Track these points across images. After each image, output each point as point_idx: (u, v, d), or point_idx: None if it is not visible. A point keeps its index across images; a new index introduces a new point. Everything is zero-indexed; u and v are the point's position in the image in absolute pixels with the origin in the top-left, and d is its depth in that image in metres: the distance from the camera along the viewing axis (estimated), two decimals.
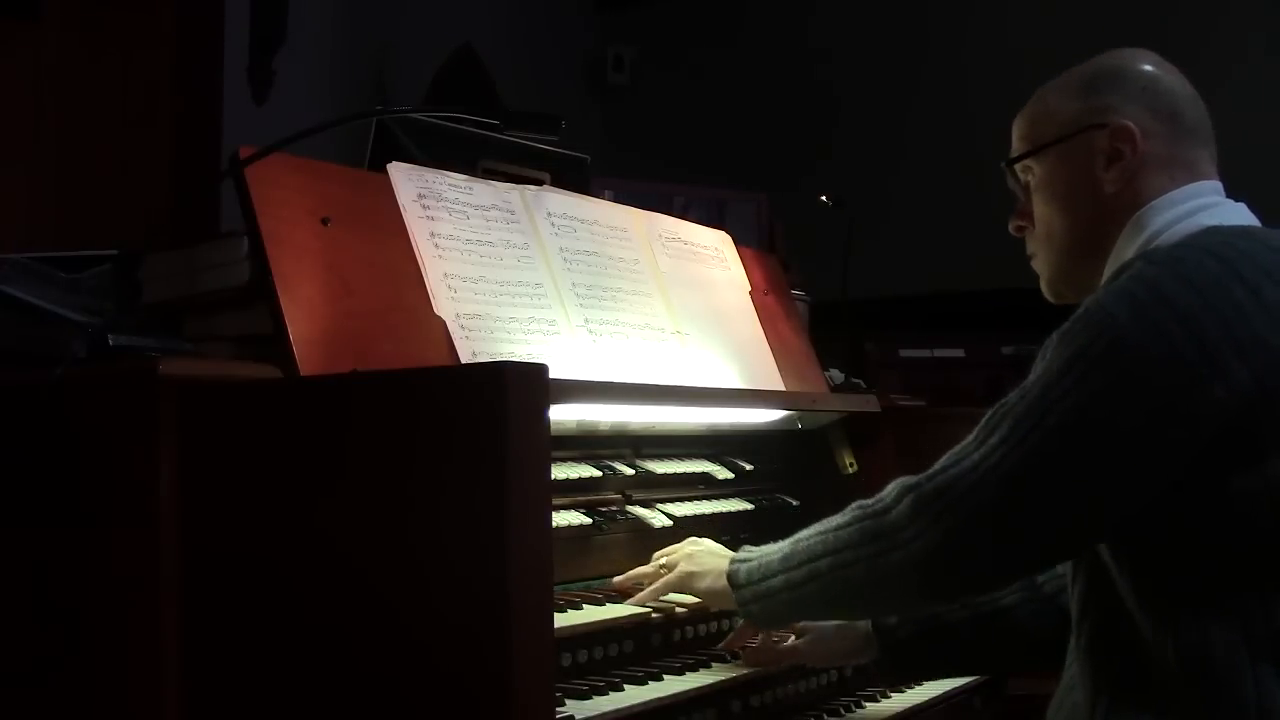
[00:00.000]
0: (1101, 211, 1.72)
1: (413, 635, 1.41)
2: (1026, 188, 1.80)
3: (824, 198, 3.37)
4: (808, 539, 1.71)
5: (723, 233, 2.55)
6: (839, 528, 1.67)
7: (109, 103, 4.53)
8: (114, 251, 1.99)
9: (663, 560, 1.96)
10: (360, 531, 1.46)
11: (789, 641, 1.93)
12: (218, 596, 1.54)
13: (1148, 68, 1.75)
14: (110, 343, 1.63)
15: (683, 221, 2.46)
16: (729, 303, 2.43)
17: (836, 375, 2.76)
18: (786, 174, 5.21)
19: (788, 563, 1.72)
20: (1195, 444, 1.48)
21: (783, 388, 2.40)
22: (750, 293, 2.50)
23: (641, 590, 1.93)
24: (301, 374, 1.62)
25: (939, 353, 4.09)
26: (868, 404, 2.46)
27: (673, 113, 6.11)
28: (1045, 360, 1.57)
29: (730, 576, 1.79)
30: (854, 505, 1.68)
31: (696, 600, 1.91)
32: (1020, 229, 1.83)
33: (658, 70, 6.32)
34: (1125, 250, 1.68)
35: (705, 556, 1.90)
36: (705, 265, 2.43)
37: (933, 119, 5.46)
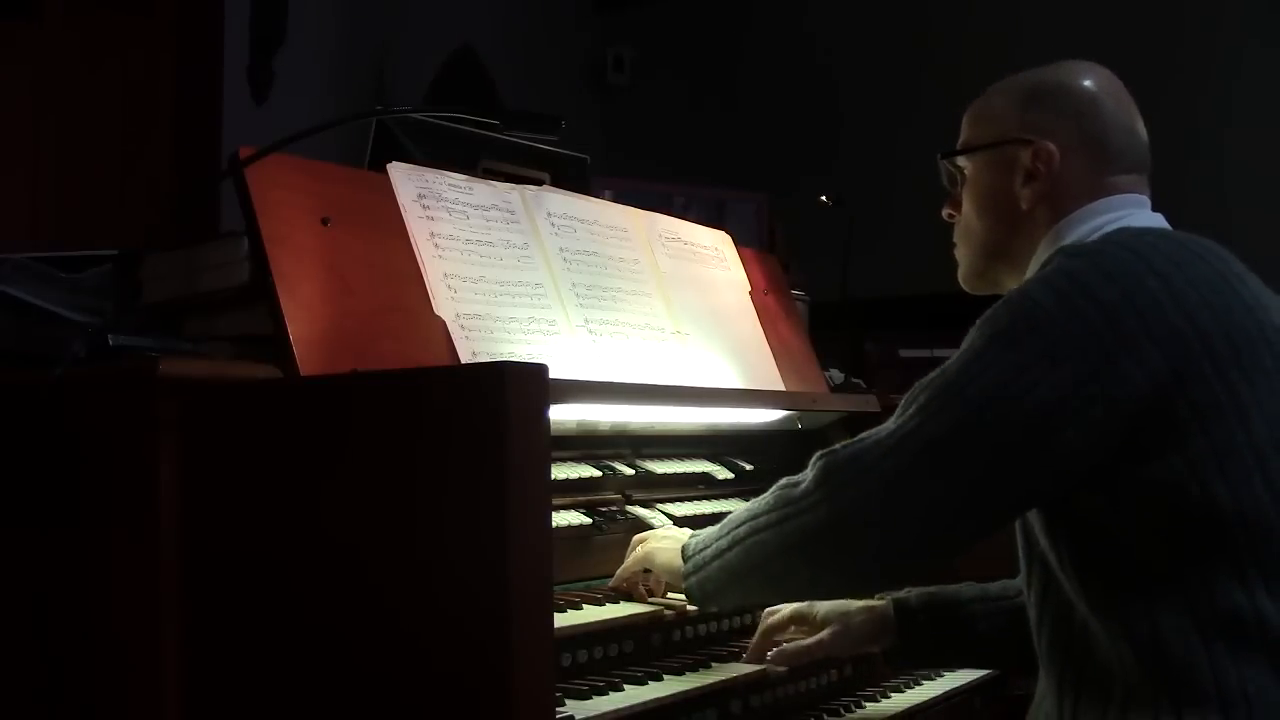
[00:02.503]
0: (1015, 223, 1.80)
1: (413, 635, 1.41)
2: (962, 180, 1.88)
3: (824, 197, 3.37)
4: (740, 509, 1.76)
5: (723, 233, 2.55)
6: (760, 498, 1.72)
7: (109, 103, 4.54)
8: (114, 251, 1.99)
9: (637, 547, 1.97)
10: (360, 532, 1.46)
11: (814, 637, 1.93)
12: (218, 596, 1.54)
13: (1089, 87, 1.79)
14: (110, 343, 1.63)
15: (683, 221, 2.46)
16: (729, 303, 2.43)
17: (836, 375, 2.76)
18: (786, 174, 5.21)
19: (720, 532, 1.76)
20: (1112, 426, 1.52)
21: (783, 388, 2.40)
22: (750, 293, 2.50)
23: (635, 589, 1.93)
24: (301, 374, 1.62)
25: (939, 353, 4.07)
26: (868, 404, 2.46)
27: (673, 113, 6.11)
28: (967, 341, 1.63)
29: (683, 550, 1.83)
30: (781, 479, 1.71)
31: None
32: (950, 216, 1.92)
33: (658, 70, 6.32)
34: (1043, 259, 1.75)
35: (669, 538, 1.92)
36: (705, 265, 2.43)
37: (933, 118, 5.45)
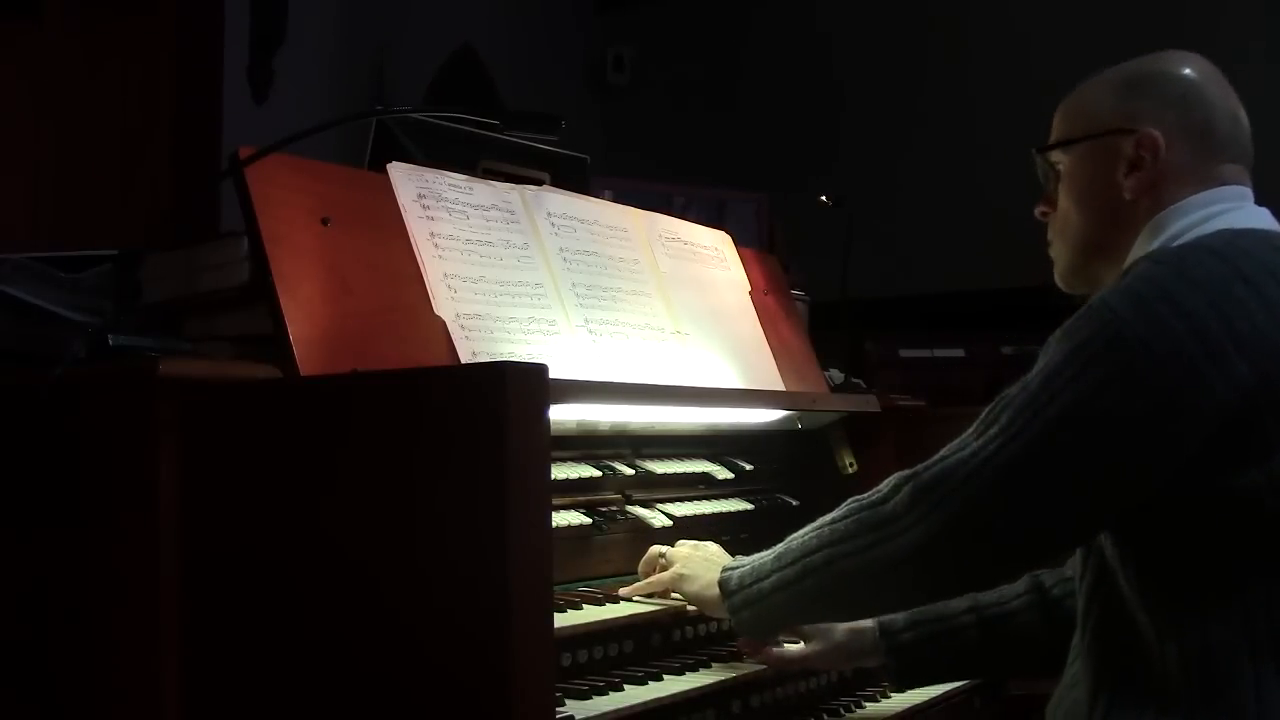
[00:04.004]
0: (1117, 216, 1.72)
1: (413, 635, 1.41)
2: (1056, 176, 1.80)
3: (823, 197, 3.37)
4: (802, 536, 1.72)
5: (723, 233, 2.55)
6: (834, 521, 1.68)
7: (109, 103, 4.53)
8: (114, 251, 1.99)
9: (663, 550, 1.97)
10: (360, 532, 1.46)
11: (798, 647, 1.92)
12: (218, 596, 1.54)
13: (1190, 74, 1.73)
14: (110, 343, 1.63)
15: (683, 221, 2.46)
16: (729, 303, 2.43)
17: (836, 375, 2.76)
18: (787, 174, 5.21)
19: (780, 561, 1.72)
20: (1196, 439, 1.49)
21: (783, 388, 2.40)
22: (750, 293, 2.50)
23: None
24: (301, 374, 1.62)
25: (939, 353, 4.08)
26: (868, 404, 2.46)
27: (673, 113, 6.10)
28: (1047, 355, 1.58)
29: (722, 584, 1.80)
30: (849, 500, 1.69)
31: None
32: (1044, 214, 1.84)
33: (658, 70, 6.32)
34: (1139, 252, 1.69)
35: (700, 562, 1.90)
36: (705, 265, 2.43)
37: (934, 119, 5.46)
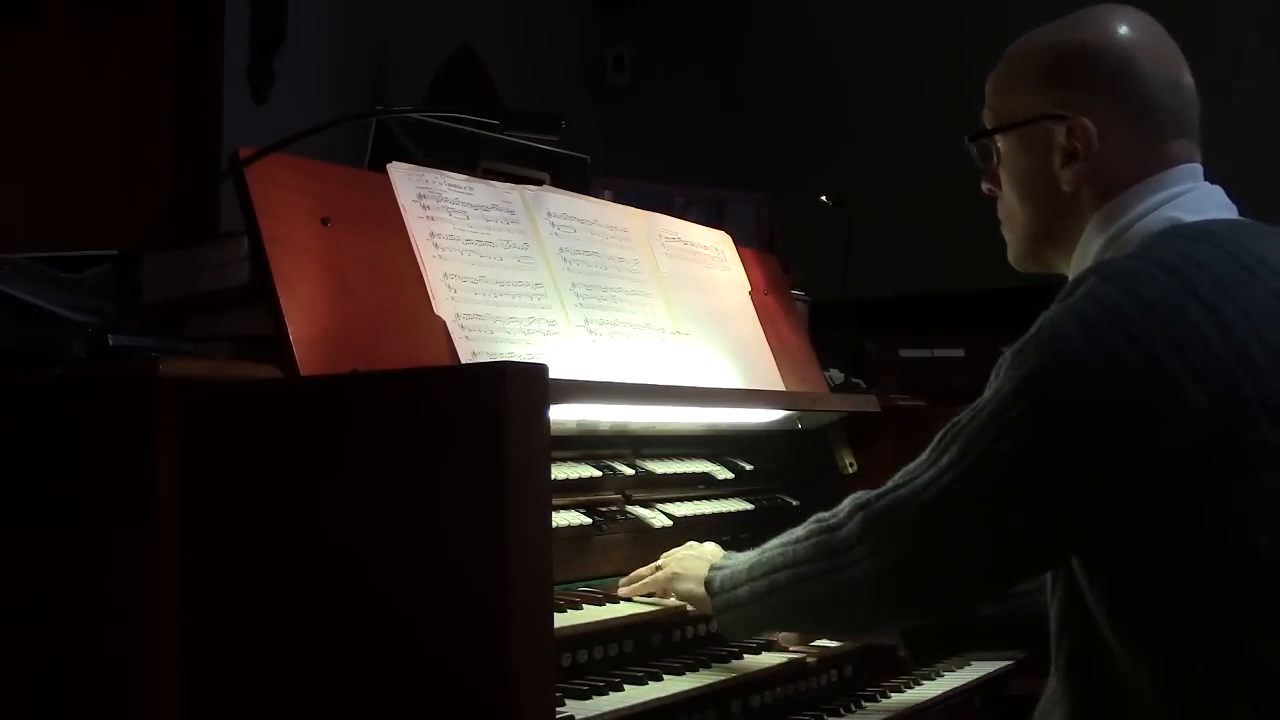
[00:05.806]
0: (1059, 206, 1.66)
1: (413, 635, 1.41)
2: (997, 154, 1.72)
3: (824, 197, 3.37)
4: (770, 550, 1.72)
5: (723, 233, 2.55)
6: (796, 541, 1.68)
7: (109, 103, 4.53)
8: (114, 251, 1.99)
9: (660, 560, 1.97)
10: (360, 532, 1.46)
11: None
12: (218, 596, 1.54)
13: (1121, 42, 1.63)
14: (110, 343, 1.63)
15: (683, 221, 2.46)
16: (729, 303, 2.43)
17: (836, 375, 2.76)
18: (787, 174, 5.21)
19: (752, 573, 1.73)
20: (1153, 473, 1.44)
21: (783, 388, 2.40)
22: (750, 293, 2.50)
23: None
24: (301, 374, 1.62)
25: (939, 353, 4.08)
26: (868, 404, 2.46)
27: (673, 113, 6.10)
28: (998, 378, 1.53)
29: (708, 584, 1.81)
30: (813, 518, 1.68)
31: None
32: (991, 191, 1.77)
33: (658, 70, 6.32)
34: (1091, 244, 1.63)
35: (693, 561, 1.90)
36: (705, 265, 2.43)
37: (934, 118, 5.45)
